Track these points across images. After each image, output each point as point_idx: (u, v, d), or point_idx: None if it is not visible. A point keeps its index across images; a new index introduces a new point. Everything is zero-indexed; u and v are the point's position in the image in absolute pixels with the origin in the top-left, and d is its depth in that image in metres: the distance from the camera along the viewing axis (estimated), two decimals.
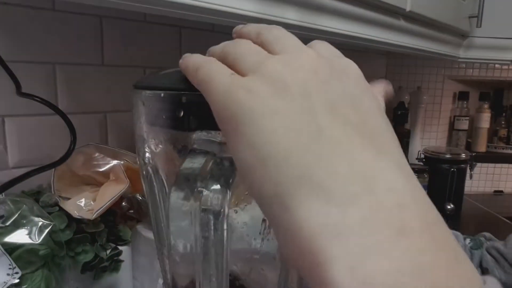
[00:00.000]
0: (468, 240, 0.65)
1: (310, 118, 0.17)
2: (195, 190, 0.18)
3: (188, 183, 0.19)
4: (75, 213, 0.49)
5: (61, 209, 0.51)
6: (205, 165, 0.19)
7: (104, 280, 0.53)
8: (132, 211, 0.63)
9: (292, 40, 0.20)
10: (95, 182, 0.54)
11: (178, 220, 0.19)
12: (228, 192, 0.19)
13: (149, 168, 0.27)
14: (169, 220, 0.19)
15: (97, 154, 0.53)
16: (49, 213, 0.49)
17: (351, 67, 0.20)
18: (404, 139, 1.27)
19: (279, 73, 0.18)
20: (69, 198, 0.52)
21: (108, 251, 0.53)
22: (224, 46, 0.21)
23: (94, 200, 0.51)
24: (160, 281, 0.40)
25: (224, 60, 0.20)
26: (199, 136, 0.21)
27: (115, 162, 0.53)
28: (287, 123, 0.17)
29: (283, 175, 0.16)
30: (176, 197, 0.19)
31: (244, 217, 0.24)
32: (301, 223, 0.15)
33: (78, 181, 0.54)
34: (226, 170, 0.19)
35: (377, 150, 0.17)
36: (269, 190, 0.16)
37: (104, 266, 0.52)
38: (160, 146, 0.24)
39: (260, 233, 0.24)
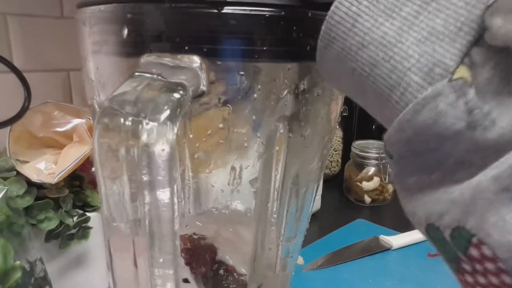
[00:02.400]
0: None
1: None
2: (129, 122, 0.14)
3: (120, 112, 0.14)
4: (34, 177, 0.45)
5: (19, 173, 0.46)
6: (148, 89, 0.15)
7: (72, 249, 0.50)
8: None
9: None
10: (57, 144, 0.49)
11: (106, 166, 0.15)
12: (175, 127, 0.14)
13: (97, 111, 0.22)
14: (97, 166, 0.15)
15: (56, 113, 0.48)
16: (5, 178, 0.45)
17: None
18: None
19: None
20: (28, 162, 0.47)
21: (74, 218, 0.49)
22: None
23: (55, 163, 0.47)
24: None
25: None
26: (147, 60, 0.16)
27: (77, 121, 0.48)
28: None
29: None
30: (102, 132, 0.15)
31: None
32: None
33: (38, 144, 0.49)
34: (174, 99, 0.15)
35: None
36: None
37: (71, 233, 0.49)
38: (108, 82, 0.20)
39: (228, 184, 0.21)
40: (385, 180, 0.93)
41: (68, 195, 0.48)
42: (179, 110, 0.14)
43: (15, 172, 0.46)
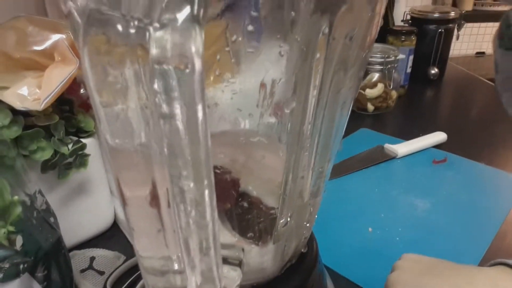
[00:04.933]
0: None
1: None
2: (131, 29, 0.10)
3: (114, 15, 0.10)
4: (18, 105, 0.40)
5: (0, 102, 0.41)
6: None
7: (72, 178, 0.47)
8: None
9: None
10: (37, 65, 0.44)
11: (106, 93, 0.11)
12: (201, 30, 0.10)
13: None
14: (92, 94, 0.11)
15: (31, 28, 0.41)
16: None
17: None
18: None
19: None
20: (7, 88, 0.42)
21: (69, 146, 0.45)
22: None
23: (39, 87, 0.42)
24: None
25: None
26: None
27: (56, 37, 0.42)
28: None
29: None
30: (92, 48, 0.10)
31: (232, 84, 0.16)
32: None
33: (16, 66, 0.43)
34: None
35: None
36: None
37: (68, 162, 0.45)
38: None
39: (257, 106, 0.17)
40: (389, 86, 0.90)
41: (59, 122, 0.44)
42: (204, 5, 0.10)
43: None
